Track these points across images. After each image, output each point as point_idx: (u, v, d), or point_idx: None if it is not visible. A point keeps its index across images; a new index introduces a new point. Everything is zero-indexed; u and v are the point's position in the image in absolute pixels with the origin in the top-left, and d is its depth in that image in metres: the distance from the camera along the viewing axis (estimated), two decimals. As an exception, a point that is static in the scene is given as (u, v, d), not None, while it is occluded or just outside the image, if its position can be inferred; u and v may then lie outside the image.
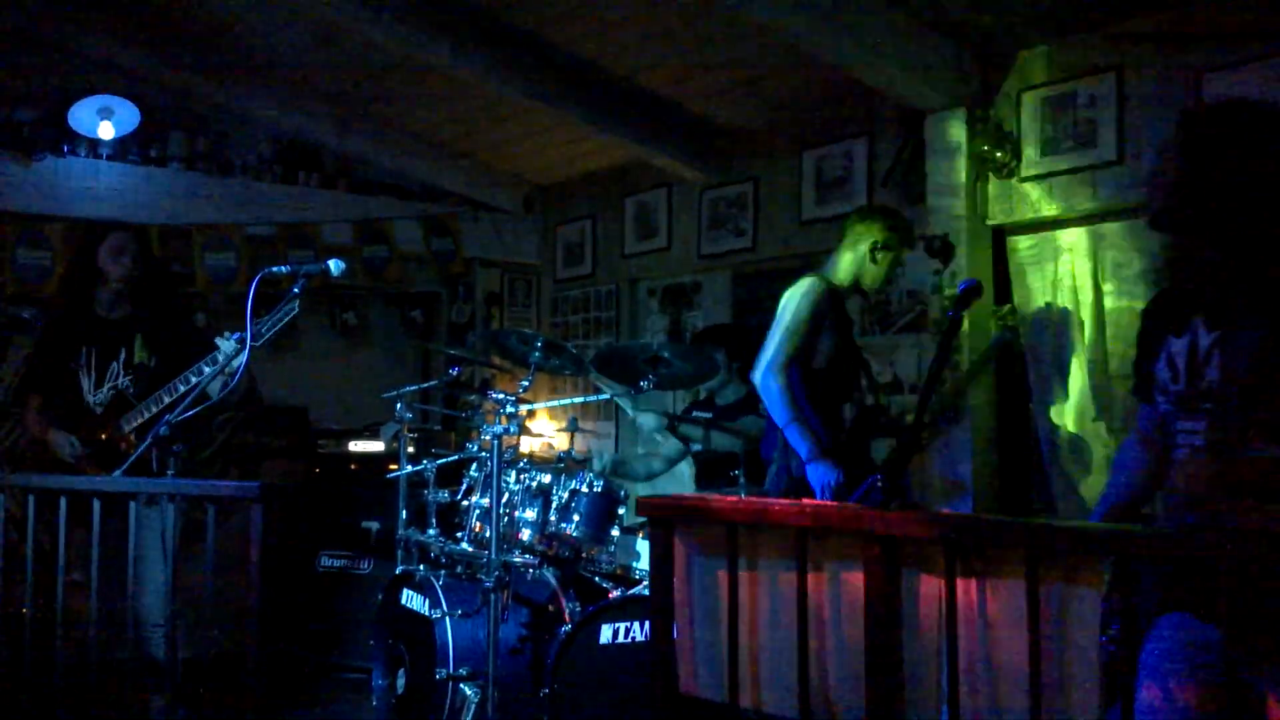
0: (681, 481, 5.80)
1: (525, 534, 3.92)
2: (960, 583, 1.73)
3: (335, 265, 3.41)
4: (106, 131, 5.55)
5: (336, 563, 5.23)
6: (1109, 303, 4.29)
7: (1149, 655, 2.04)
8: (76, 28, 5.40)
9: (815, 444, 3.14)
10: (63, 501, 2.91)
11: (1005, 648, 1.69)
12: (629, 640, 3.67)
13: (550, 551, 3.97)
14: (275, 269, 3.38)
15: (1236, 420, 1.90)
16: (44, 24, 5.37)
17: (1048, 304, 4.47)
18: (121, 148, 5.84)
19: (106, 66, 5.61)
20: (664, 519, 2.14)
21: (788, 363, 3.26)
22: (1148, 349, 2.13)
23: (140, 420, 3.63)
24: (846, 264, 3.49)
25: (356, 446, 6.12)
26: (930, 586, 1.78)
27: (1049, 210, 4.39)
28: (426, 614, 3.82)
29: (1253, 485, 1.87)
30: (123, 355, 3.74)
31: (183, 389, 3.51)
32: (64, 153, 5.71)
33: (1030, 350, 4.50)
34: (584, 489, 3.94)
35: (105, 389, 3.72)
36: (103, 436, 3.64)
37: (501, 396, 3.86)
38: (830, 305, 3.35)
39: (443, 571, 4.04)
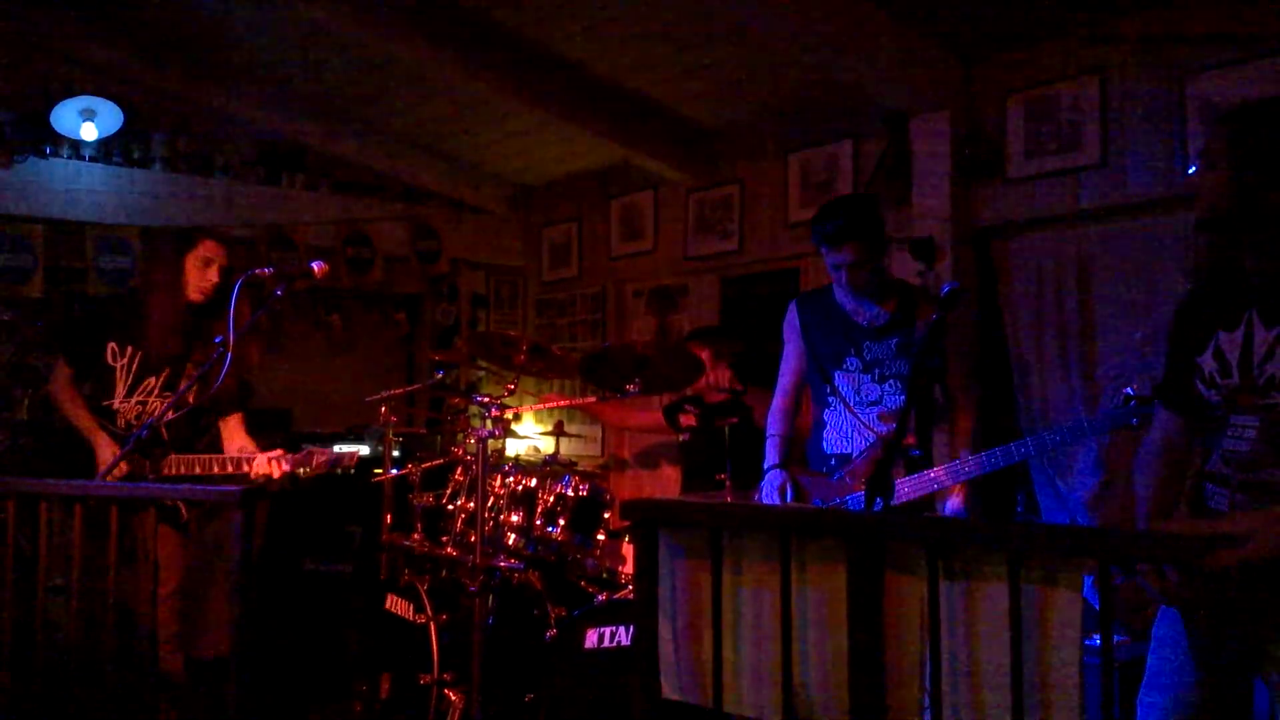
0: (668, 484, 5.80)
1: (510, 538, 3.91)
2: (943, 584, 1.73)
3: (318, 267, 3.41)
4: (89, 133, 5.51)
5: (321, 567, 5.20)
6: (1094, 305, 4.30)
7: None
8: (58, 28, 5.36)
9: (771, 457, 3.38)
10: (43, 506, 2.89)
11: (987, 649, 1.69)
12: (614, 644, 3.67)
13: (535, 555, 3.96)
14: (259, 271, 3.38)
15: None
16: (25, 24, 5.33)
17: (1033, 306, 4.48)
18: (104, 149, 5.81)
19: (89, 67, 5.57)
20: (648, 522, 2.13)
21: (781, 390, 3.49)
22: (1186, 345, 2.11)
23: (175, 470, 3.54)
24: None
25: (341, 449, 6.09)
26: (913, 588, 1.78)
27: (1033, 212, 4.41)
28: (411, 619, 3.81)
29: None
30: (165, 375, 3.61)
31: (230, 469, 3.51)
32: (46, 154, 5.67)
33: (1016, 353, 4.52)
34: (570, 492, 3.94)
35: (134, 402, 3.59)
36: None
37: (487, 399, 3.85)
38: (798, 316, 3.45)
39: (427, 576, 4.03)
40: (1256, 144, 1.93)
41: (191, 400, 3.54)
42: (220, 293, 3.55)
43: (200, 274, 3.58)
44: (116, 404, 3.58)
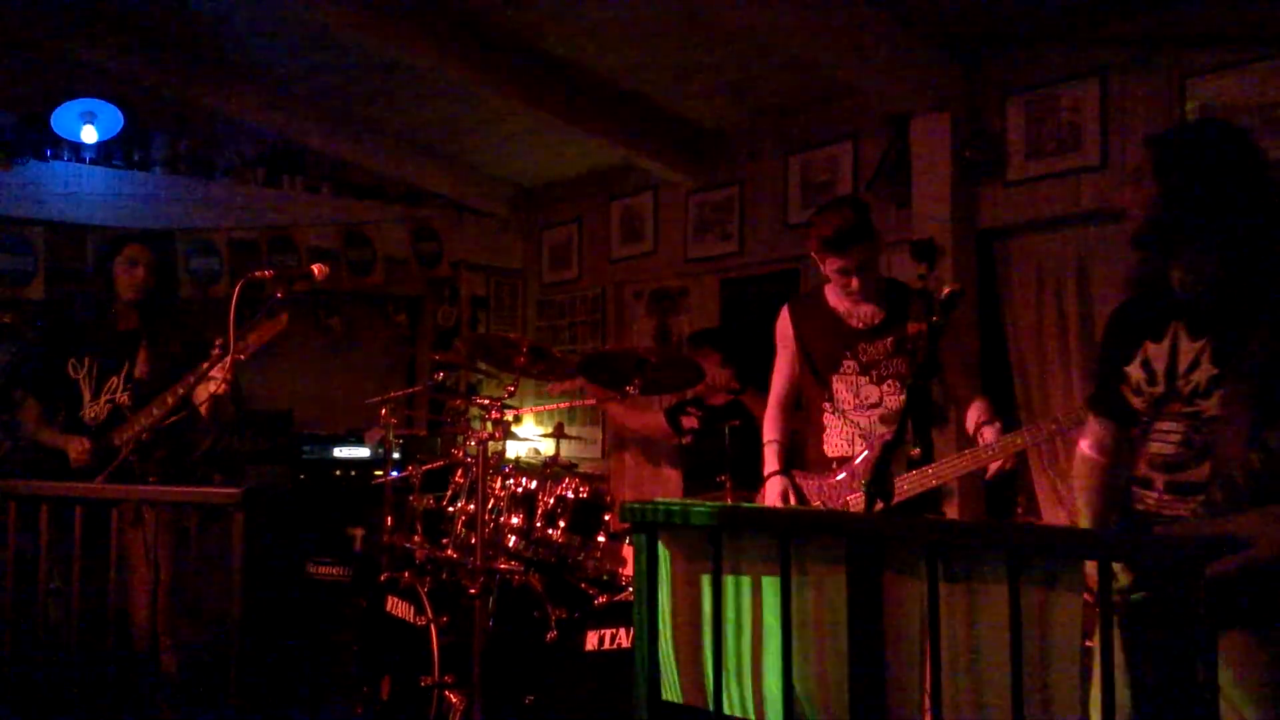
0: (668, 486, 5.80)
1: (511, 540, 3.91)
2: (943, 586, 1.73)
3: (318, 269, 3.41)
4: (89, 135, 5.52)
5: (322, 569, 5.20)
6: (1094, 306, 4.30)
7: None
8: (59, 31, 5.37)
9: (771, 464, 3.36)
10: (44, 508, 2.89)
11: (987, 650, 1.69)
12: (614, 647, 3.66)
13: (536, 557, 3.95)
14: (259, 273, 3.38)
15: (1216, 423, 1.97)
16: (26, 27, 5.33)
17: (1033, 308, 4.48)
18: (105, 151, 5.81)
19: (89, 70, 5.57)
20: (648, 524, 2.13)
21: (774, 397, 3.46)
22: (1115, 355, 2.20)
23: (132, 431, 3.57)
24: None
25: (341, 452, 6.10)
26: (913, 590, 1.77)
27: (1033, 213, 4.40)
28: (412, 621, 3.81)
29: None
30: (125, 369, 3.68)
31: (171, 402, 3.50)
32: (47, 156, 5.68)
33: (1016, 354, 4.52)
34: (570, 494, 3.93)
35: (102, 402, 3.64)
36: (91, 451, 3.55)
37: (487, 401, 3.85)
38: (791, 321, 3.42)
39: (428, 578, 4.03)
40: (1181, 165, 2.03)
41: (178, 401, 3.54)
42: (156, 290, 3.76)
43: (129, 273, 3.72)
44: (85, 410, 3.66)
